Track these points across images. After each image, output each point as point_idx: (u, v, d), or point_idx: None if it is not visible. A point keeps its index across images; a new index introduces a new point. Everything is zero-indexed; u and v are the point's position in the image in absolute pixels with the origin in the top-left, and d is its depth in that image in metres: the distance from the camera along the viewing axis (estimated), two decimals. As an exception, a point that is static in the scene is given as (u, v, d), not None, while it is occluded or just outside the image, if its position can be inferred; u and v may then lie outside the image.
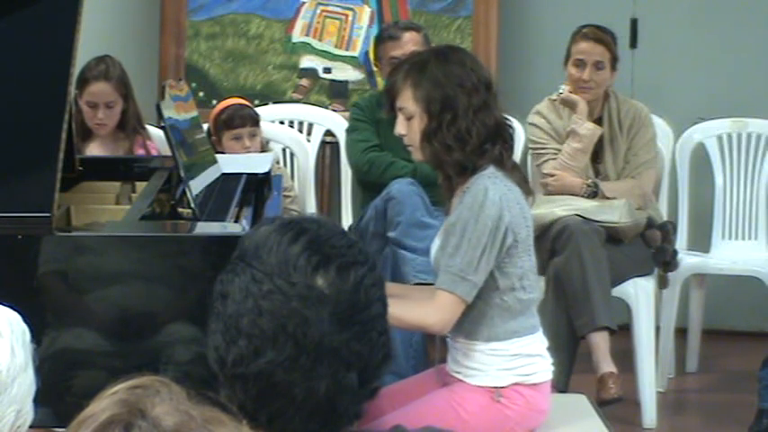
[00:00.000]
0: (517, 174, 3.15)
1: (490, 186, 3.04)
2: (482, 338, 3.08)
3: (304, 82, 5.67)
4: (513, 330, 3.09)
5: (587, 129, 4.59)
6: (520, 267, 3.08)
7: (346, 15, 5.66)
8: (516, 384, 3.08)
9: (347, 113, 5.10)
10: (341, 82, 5.66)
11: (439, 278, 3.07)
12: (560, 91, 4.66)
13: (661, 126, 4.95)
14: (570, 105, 4.65)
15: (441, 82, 3.08)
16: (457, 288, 3.02)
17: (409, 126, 3.13)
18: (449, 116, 3.06)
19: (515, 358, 3.08)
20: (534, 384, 3.10)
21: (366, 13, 5.64)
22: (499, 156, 3.09)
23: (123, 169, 3.88)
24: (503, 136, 3.11)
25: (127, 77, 4.64)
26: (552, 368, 3.17)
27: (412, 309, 3.09)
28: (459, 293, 3.02)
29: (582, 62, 4.64)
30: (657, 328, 4.75)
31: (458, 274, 3.01)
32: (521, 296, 3.09)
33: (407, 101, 3.11)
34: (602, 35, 4.67)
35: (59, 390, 2.79)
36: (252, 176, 3.78)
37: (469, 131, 3.05)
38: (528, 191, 3.16)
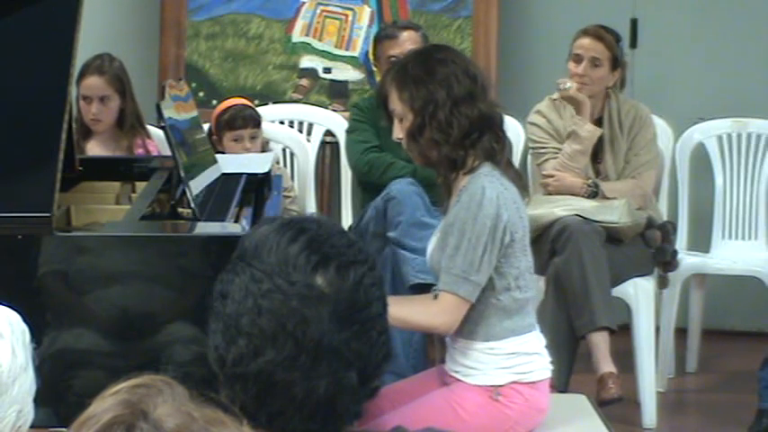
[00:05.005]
0: (512, 171, 3.16)
1: (487, 185, 3.04)
2: (480, 338, 3.08)
3: (304, 82, 5.66)
4: (510, 329, 3.09)
5: (588, 131, 4.58)
6: (516, 267, 3.08)
7: (346, 15, 5.66)
8: (514, 383, 3.08)
9: (347, 113, 5.10)
10: (341, 82, 5.66)
11: (441, 279, 3.07)
12: (567, 86, 4.63)
13: (661, 126, 4.95)
14: (576, 103, 4.62)
15: (422, 79, 3.07)
16: (459, 289, 3.02)
17: (403, 129, 3.13)
18: (430, 110, 3.05)
19: (513, 357, 3.08)
20: (532, 383, 3.10)
21: (366, 13, 5.64)
22: (491, 149, 3.08)
23: (123, 169, 3.88)
24: (491, 127, 3.10)
25: (125, 74, 4.64)
26: (551, 366, 3.17)
27: (417, 311, 3.11)
28: (462, 294, 3.02)
29: (579, 57, 4.63)
30: (657, 329, 4.75)
31: (460, 275, 3.02)
32: (516, 296, 3.09)
33: (395, 103, 3.12)
34: (603, 33, 4.66)
35: (60, 390, 2.79)
36: (252, 176, 3.78)
37: (450, 123, 3.04)
38: (523, 187, 3.17)
